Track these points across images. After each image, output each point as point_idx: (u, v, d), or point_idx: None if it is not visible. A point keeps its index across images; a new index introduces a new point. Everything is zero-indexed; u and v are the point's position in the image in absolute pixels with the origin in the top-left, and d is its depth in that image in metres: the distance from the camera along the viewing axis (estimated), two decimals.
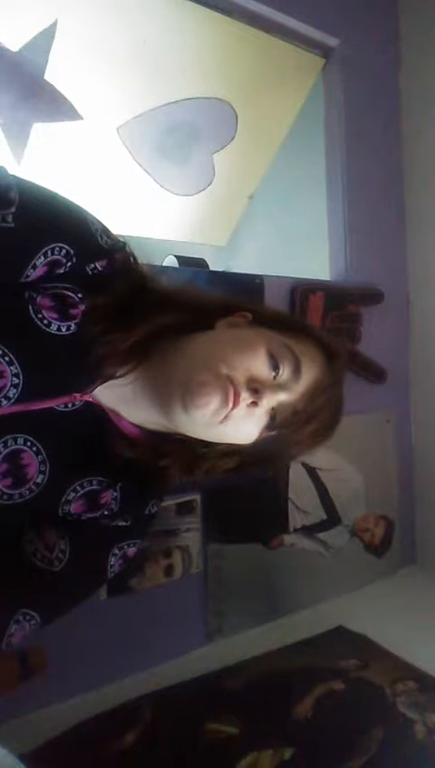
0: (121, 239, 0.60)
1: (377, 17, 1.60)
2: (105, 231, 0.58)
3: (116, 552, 0.64)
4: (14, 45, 1.26)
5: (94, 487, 0.61)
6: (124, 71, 1.41)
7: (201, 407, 0.54)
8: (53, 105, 1.37)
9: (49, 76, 1.33)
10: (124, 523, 0.64)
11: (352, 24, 1.53)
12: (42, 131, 1.39)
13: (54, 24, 1.25)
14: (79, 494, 0.60)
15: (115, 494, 0.63)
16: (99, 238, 0.57)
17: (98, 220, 0.58)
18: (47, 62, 1.30)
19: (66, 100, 1.38)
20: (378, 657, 1.18)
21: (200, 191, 1.76)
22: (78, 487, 0.60)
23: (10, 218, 0.50)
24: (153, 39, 1.37)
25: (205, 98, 1.54)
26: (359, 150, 1.55)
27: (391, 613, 1.36)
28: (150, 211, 1.74)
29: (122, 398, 0.60)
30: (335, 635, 1.27)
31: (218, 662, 1.15)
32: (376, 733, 0.96)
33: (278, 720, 0.99)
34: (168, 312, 0.60)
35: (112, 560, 0.63)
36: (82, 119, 1.43)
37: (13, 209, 0.50)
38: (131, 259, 0.61)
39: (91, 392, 0.59)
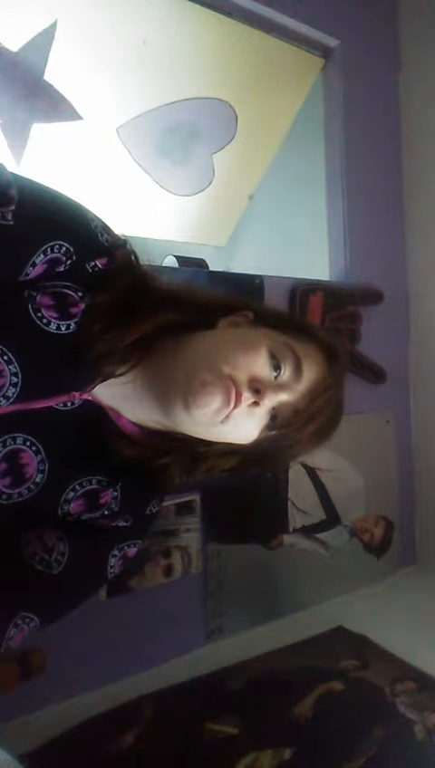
0: (122, 237, 0.60)
1: (377, 17, 1.60)
2: (105, 229, 0.58)
3: (116, 552, 0.63)
4: (14, 45, 1.26)
5: (94, 487, 0.61)
6: (124, 71, 1.41)
7: (203, 406, 0.54)
8: (53, 105, 1.37)
9: (49, 76, 1.33)
10: (124, 524, 0.64)
11: (352, 25, 1.53)
12: (42, 131, 1.40)
13: (54, 24, 1.25)
14: (78, 494, 0.60)
15: (115, 493, 0.63)
16: (99, 236, 0.56)
17: (98, 218, 0.58)
18: (47, 62, 1.30)
19: (66, 100, 1.38)
20: (378, 658, 1.18)
21: (200, 191, 1.76)
22: (77, 487, 0.60)
23: (9, 216, 0.50)
24: (153, 39, 1.37)
25: (205, 98, 1.54)
26: (359, 150, 1.55)
27: (390, 613, 1.36)
28: (150, 211, 1.74)
29: (122, 397, 0.60)
30: (335, 635, 1.27)
31: (218, 662, 1.15)
32: (376, 733, 0.95)
33: (278, 720, 0.99)
34: (169, 310, 0.60)
35: (112, 561, 0.63)
36: (81, 119, 1.43)
37: (12, 207, 0.50)
38: (132, 257, 0.61)
39: (90, 391, 0.59)
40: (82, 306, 0.56)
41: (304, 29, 1.46)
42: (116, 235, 0.59)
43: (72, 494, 0.60)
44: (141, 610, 1.13)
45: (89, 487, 0.61)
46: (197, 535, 1.20)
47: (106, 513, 0.62)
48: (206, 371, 0.55)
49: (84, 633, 1.02)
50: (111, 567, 0.63)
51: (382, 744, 0.93)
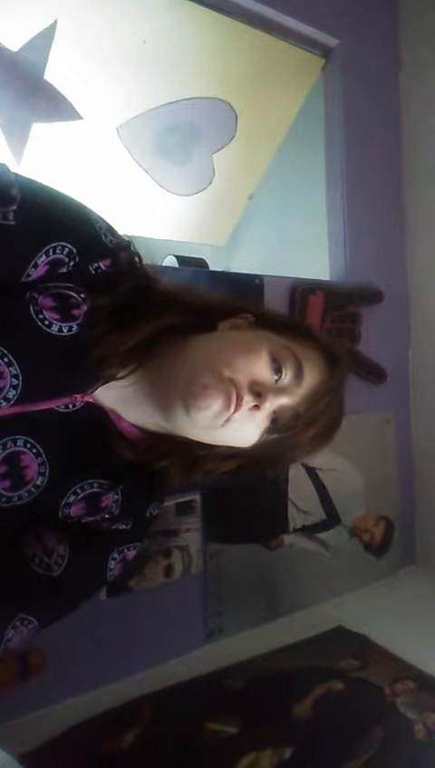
0: (126, 238, 0.60)
1: (377, 17, 1.60)
2: (109, 229, 0.57)
3: (115, 555, 0.64)
4: (13, 45, 1.25)
5: (95, 490, 0.61)
6: (124, 71, 1.40)
7: (203, 409, 0.54)
8: (53, 105, 1.37)
9: (49, 76, 1.33)
10: (124, 527, 0.64)
11: (352, 24, 1.53)
12: (42, 131, 1.39)
13: (54, 24, 1.25)
14: (79, 497, 0.60)
15: (116, 496, 0.63)
16: (103, 237, 0.56)
17: (102, 218, 0.57)
18: (47, 62, 1.30)
19: (66, 100, 1.38)
20: (377, 658, 1.18)
21: (200, 191, 1.76)
22: (78, 490, 0.60)
23: (11, 216, 0.50)
24: (153, 39, 1.36)
25: (205, 98, 1.53)
26: (359, 150, 1.55)
27: (390, 613, 1.36)
28: (150, 211, 1.74)
29: (123, 399, 0.60)
30: (335, 635, 1.27)
31: (218, 662, 1.15)
32: (376, 733, 0.96)
33: (278, 720, 0.99)
34: (170, 312, 0.60)
35: (112, 563, 0.63)
36: (81, 119, 1.42)
37: (14, 207, 0.50)
38: (136, 258, 0.61)
39: (91, 393, 0.59)
40: (85, 308, 0.56)
41: (303, 28, 1.46)
42: (120, 236, 0.59)
43: (72, 497, 0.60)
44: (141, 610, 1.13)
45: (90, 491, 0.61)
46: (197, 535, 1.20)
47: (107, 516, 0.62)
48: (206, 374, 0.55)
49: (84, 633, 1.03)
50: (111, 569, 0.63)
51: (382, 744, 0.93)
